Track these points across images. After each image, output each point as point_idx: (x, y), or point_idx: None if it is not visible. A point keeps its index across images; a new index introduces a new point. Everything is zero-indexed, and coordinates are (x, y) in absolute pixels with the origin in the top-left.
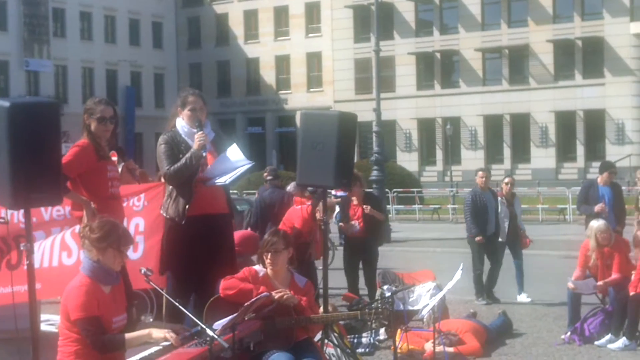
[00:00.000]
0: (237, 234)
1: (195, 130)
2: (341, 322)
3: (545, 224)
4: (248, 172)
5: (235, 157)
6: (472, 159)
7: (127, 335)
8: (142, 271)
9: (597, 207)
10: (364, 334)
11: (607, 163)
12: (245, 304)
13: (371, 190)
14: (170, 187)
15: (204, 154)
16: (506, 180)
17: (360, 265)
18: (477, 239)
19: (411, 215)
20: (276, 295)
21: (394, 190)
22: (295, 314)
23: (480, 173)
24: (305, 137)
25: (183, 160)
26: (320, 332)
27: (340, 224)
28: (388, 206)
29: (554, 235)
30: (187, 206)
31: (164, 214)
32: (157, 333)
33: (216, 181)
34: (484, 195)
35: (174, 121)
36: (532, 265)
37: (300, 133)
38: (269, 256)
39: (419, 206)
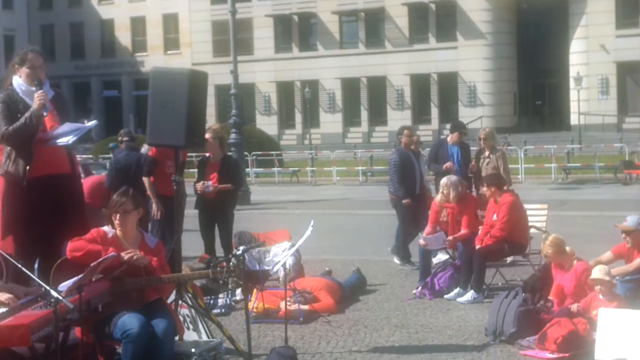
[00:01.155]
0: (86, 183)
1: (34, 89)
2: (198, 284)
3: None
4: (96, 136)
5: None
6: (330, 122)
7: None
8: None
9: (446, 165)
10: (220, 295)
11: (458, 123)
12: (92, 264)
13: (230, 153)
14: (9, 147)
15: (44, 114)
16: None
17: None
18: (405, 201)
19: (270, 178)
20: (125, 256)
21: (253, 153)
22: (146, 274)
23: (406, 132)
24: (155, 95)
25: (22, 120)
26: (174, 293)
27: (196, 184)
28: (247, 169)
29: None
30: (27, 167)
31: (3, 176)
32: None
33: (58, 141)
34: (409, 155)
35: (11, 79)
36: (388, 225)
37: (150, 91)
38: (117, 217)
39: (279, 169)
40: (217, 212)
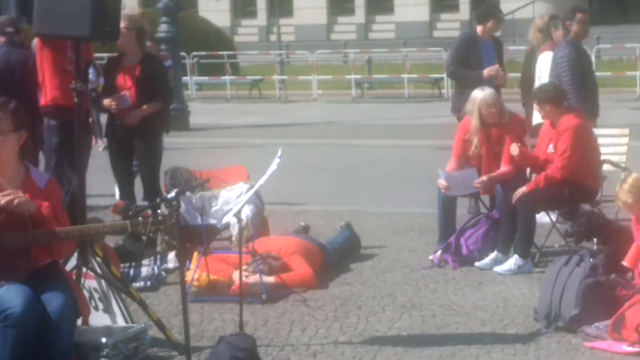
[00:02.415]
0: None
1: None
2: (111, 245)
3: (413, 101)
4: None
5: None
6: (309, 9)
7: None
8: None
9: (488, 70)
10: (145, 262)
11: (491, 7)
12: None
13: (160, 53)
14: None
15: None
16: None
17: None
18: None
19: (220, 92)
20: (2, 199)
21: (194, 54)
22: (33, 227)
23: (580, 15)
24: None
25: None
26: (76, 257)
27: (104, 100)
28: (185, 78)
29: (424, 118)
30: None
31: None
32: None
33: None
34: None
35: None
36: (394, 161)
37: None
38: None
39: (232, 78)
40: (137, 139)
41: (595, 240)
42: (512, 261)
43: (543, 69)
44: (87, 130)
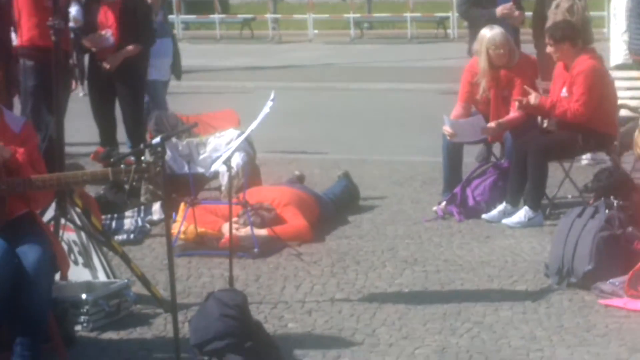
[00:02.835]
0: None
1: None
2: (93, 196)
3: (417, 42)
4: None
5: None
6: None
7: None
8: None
9: (502, 9)
10: (128, 213)
11: None
12: None
13: None
14: None
15: None
16: None
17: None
18: None
19: (209, 31)
20: None
21: None
22: (7, 175)
23: None
24: None
25: None
26: (54, 207)
27: (84, 38)
28: (171, 16)
29: (428, 60)
30: None
31: None
32: None
33: None
34: None
35: None
36: (395, 106)
37: None
38: None
39: (221, 16)
40: (119, 81)
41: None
42: (522, 213)
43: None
44: (66, 72)
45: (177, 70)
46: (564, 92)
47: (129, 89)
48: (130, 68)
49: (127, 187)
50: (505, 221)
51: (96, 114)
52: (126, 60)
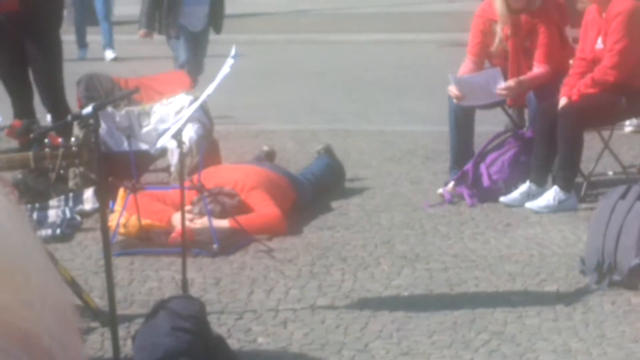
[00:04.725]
0: None
1: None
2: (9, 181)
3: None
4: None
5: None
6: None
7: None
8: None
9: None
10: (53, 202)
11: None
12: None
13: None
14: None
15: None
16: None
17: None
18: None
19: None
20: None
21: None
22: None
23: None
24: None
25: None
26: None
27: None
28: None
29: (428, 3)
30: None
31: None
32: None
33: None
34: None
35: None
36: (388, 62)
37: None
38: None
39: None
40: (30, 38)
41: None
42: (551, 194)
43: None
44: None
45: (216, 21)
46: (599, 43)
47: (39, 45)
48: (38, 18)
49: (52, 173)
50: (529, 205)
51: (5, 79)
52: (34, 9)
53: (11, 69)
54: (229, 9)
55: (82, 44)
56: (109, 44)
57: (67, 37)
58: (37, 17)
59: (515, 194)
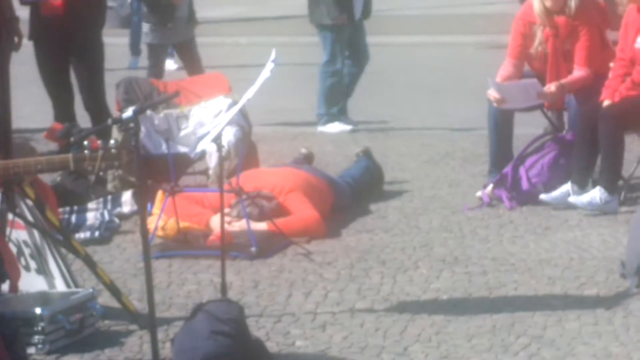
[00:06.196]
0: None
1: None
2: (49, 184)
3: None
4: None
5: None
6: None
7: None
8: None
9: None
10: (92, 205)
11: None
12: None
13: None
14: None
15: None
16: None
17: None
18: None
19: None
20: None
21: None
22: None
23: None
24: None
25: None
26: None
27: None
28: None
29: (466, 5)
30: None
31: None
32: None
33: None
34: None
35: None
36: (427, 64)
37: None
38: None
39: None
40: (73, 41)
41: None
42: (596, 193)
43: None
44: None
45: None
46: (638, 42)
47: (86, 50)
48: (86, 22)
49: (92, 176)
50: (572, 200)
51: (47, 81)
52: (77, 11)
53: (54, 73)
54: (268, 11)
55: (135, 50)
56: (170, 53)
57: (119, 39)
58: (81, 17)
59: (556, 193)
